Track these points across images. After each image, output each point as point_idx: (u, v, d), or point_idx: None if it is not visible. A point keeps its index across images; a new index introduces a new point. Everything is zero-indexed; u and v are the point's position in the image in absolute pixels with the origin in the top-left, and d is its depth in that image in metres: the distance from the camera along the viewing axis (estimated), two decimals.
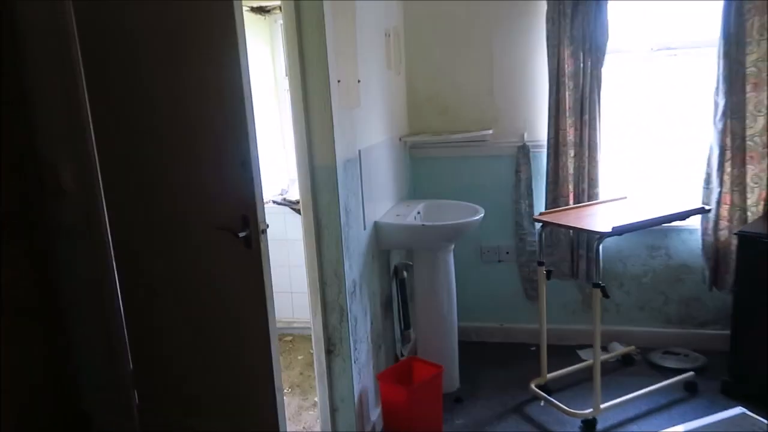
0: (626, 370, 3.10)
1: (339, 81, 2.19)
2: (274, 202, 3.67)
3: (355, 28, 2.39)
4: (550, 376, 2.92)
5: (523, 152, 3.22)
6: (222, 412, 2.26)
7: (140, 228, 2.24)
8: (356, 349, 2.38)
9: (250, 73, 1.89)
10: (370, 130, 2.62)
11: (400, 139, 3.16)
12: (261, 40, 3.62)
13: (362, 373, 2.46)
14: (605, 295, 2.47)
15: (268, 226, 2.06)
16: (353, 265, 2.36)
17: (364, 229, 2.52)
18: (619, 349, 3.19)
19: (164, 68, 2.02)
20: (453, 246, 2.87)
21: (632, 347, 3.19)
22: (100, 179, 2.32)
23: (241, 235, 1.98)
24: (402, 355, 3.08)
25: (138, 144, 2.16)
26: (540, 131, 3.19)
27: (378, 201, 2.73)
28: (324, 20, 2.04)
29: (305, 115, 2.14)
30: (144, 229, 2.23)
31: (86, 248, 2.40)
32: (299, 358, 3.49)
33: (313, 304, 2.31)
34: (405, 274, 3.03)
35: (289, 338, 3.77)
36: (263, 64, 3.64)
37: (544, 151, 3.15)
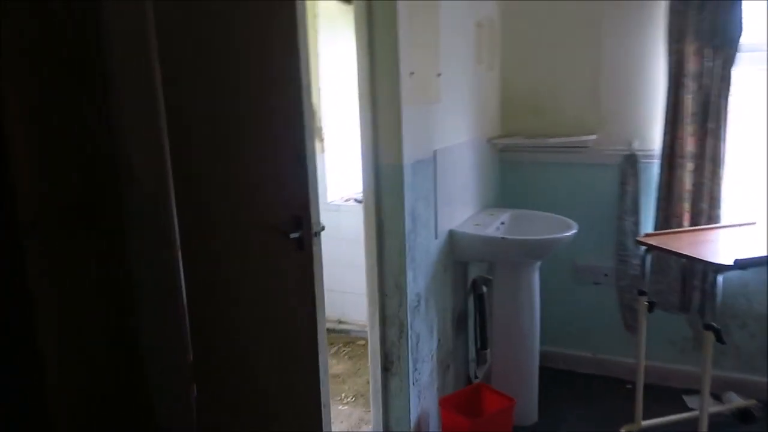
0: (743, 428, 2.61)
1: (412, 73, 1.98)
2: (355, 200, 3.54)
3: (438, 17, 2.17)
4: (645, 423, 2.52)
5: (631, 162, 2.82)
6: (267, 419, 2.14)
7: (198, 220, 2.17)
8: (416, 369, 2.17)
9: (311, 62, 1.75)
10: (450, 129, 2.39)
11: (488, 141, 2.88)
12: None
13: (423, 395, 2.24)
14: (720, 340, 2.06)
15: (323, 228, 1.90)
16: (419, 277, 2.14)
17: (436, 237, 2.29)
18: (735, 401, 2.70)
19: (223, 60, 1.92)
20: (539, 263, 2.55)
21: (753, 401, 2.68)
22: (170, 168, 2.30)
23: (293, 236, 1.84)
24: (476, 377, 2.82)
25: (197, 135, 2.09)
26: (653, 139, 2.78)
27: (456, 207, 2.48)
28: (396, 6, 1.84)
29: (372, 109, 1.95)
30: (201, 222, 2.16)
31: (155, 236, 2.39)
32: (369, 365, 3.33)
33: (371, 316, 2.13)
34: (484, 289, 2.76)
35: (363, 342, 3.61)
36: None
37: (657, 162, 2.74)
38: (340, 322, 3.66)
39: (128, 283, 2.49)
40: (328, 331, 3.65)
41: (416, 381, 2.17)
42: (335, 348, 3.47)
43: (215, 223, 2.11)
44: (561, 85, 2.94)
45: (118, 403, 2.46)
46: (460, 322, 2.62)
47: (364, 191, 2.05)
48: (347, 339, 3.53)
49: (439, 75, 2.21)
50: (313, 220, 1.83)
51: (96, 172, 2.34)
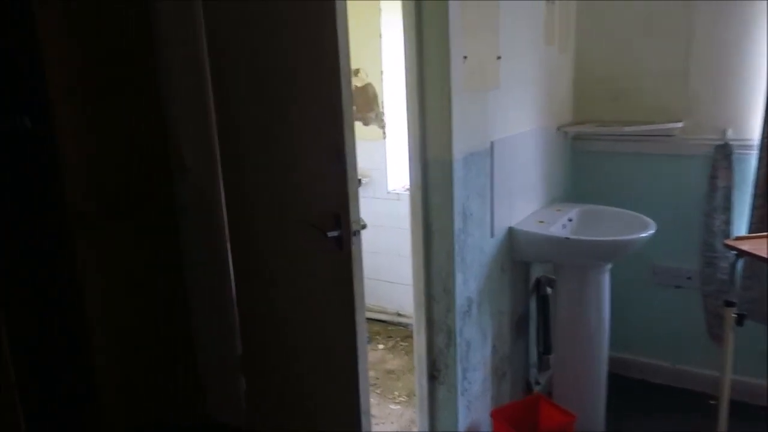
0: None
1: (465, 57, 1.79)
2: None
3: None
4: None
5: (724, 153, 2.49)
6: (310, 420, 2.07)
7: (242, 216, 2.12)
8: (466, 378, 2.01)
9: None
10: (512, 117, 2.18)
11: (558, 129, 2.64)
12: None
13: (473, 406, 2.09)
14: None
15: (365, 226, 1.78)
16: (470, 280, 1.98)
17: (492, 236, 2.11)
18: None
19: (266, 56, 1.84)
20: (609, 266, 2.31)
21: None
22: (218, 159, 2.26)
23: (331, 234, 1.72)
24: (537, 384, 2.63)
25: (243, 131, 2.03)
26: (750, 127, 2.44)
27: (517, 202, 2.28)
28: None
29: (419, 98, 1.80)
30: (245, 218, 2.10)
31: (203, 225, 2.37)
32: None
33: (416, 321, 2.00)
34: (549, 290, 2.55)
35: None
36: None
37: (754, 153, 2.40)
38: (399, 314, 3.55)
39: (178, 273, 2.48)
40: (386, 323, 3.57)
41: (465, 391, 2.02)
42: (392, 342, 3.37)
43: (258, 219, 2.04)
44: (643, 65, 2.63)
45: (169, 393, 2.47)
46: (520, 325, 2.44)
47: (411, 187, 1.91)
48: (405, 333, 3.42)
49: (498, 58, 2.01)
50: (352, 219, 1.70)
51: (147, 164, 2.33)
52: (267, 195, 1.95)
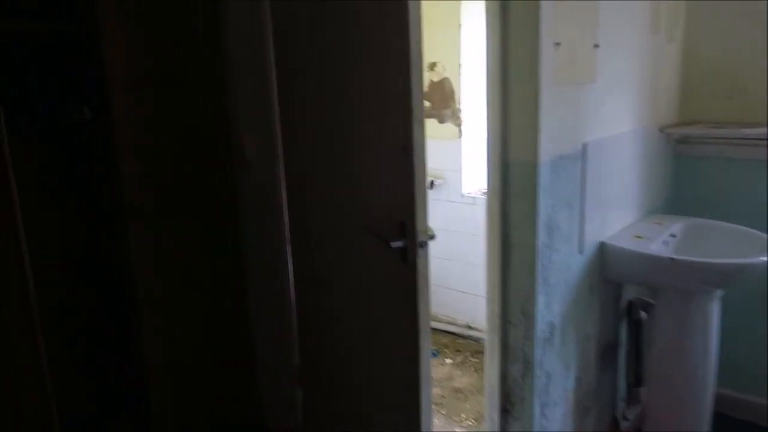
0: None
1: (557, 44, 1.53)
2: None
3: None
4: None
5: None
6: None
7: (301, 217, 1.96)
8: (544, 415, 1.76)
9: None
10: (608, 116, 1.90)
11: (661, 130, 2.31)
12: None
13: None
14: None
15: (433, 236, 1.56)
16: (553, 303, 1.72)
17: (581, 252, 1.83)
18: None
19: (331, 46, 1.66)
20: (720, 292, 1.97)
21: None
22: (281, 156, 2.12)
23: (394, 244, 1.52)
24: (625, 419, 2.32)
25: (306, 129, 1.86)
26: None
27: (611, 213, 1.99)
28: None
29: (502, 89, 1.56)
30: (304, 220, 1.94)
31: (264, 225, 2.24)
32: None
33: (489, 346, 1.76)
34: (643, 314, 2.23)
35: None
36: None
37: None
38: (470, 327, 3.30)
39: (239, 276, 2.35)
40: (455, 335, 3.33)
41: (543, 429, 1.76)
42: (461, 357, 3.13)
43: (317, 223, 1.87)
44: (765, 58, 2.25)
45: (225, 400, 2.35)
46: (607, 353, 2.14)
47: (488, 193, 1.67)
48: (476, 347, 3.16)
49: (596, 47, 1.73)
50: (418, 228, 1.49)
51: (208, 159, 2.22)
52: (328, 197, 1.78)
